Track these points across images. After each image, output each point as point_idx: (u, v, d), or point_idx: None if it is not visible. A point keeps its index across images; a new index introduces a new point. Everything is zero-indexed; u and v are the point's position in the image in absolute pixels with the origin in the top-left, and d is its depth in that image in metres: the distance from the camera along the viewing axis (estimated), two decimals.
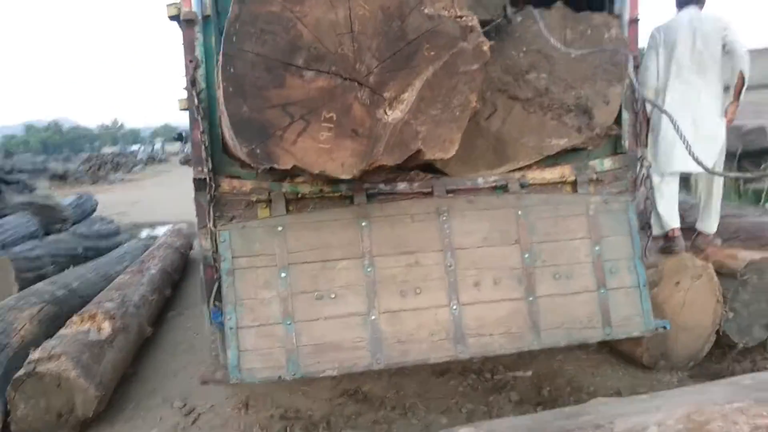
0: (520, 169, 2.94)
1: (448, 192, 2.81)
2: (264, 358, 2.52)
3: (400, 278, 2.68)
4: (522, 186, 2.90)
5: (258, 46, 1.82)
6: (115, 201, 14.51)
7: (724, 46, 3.66)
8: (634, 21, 2.98)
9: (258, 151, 1.87)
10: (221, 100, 2.16)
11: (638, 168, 3.05)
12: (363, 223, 2.66)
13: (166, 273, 5.84)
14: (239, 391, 3.68)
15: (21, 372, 3.13)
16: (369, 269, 2.65)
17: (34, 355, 3.27)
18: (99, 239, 7.39)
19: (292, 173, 2.69)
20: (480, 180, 2.89)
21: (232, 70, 1.83)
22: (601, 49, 2.75)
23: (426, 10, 1.86)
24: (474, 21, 1.90)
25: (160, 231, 10.73)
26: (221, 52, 1.82)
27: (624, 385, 3.59)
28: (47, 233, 6.94)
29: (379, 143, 1.93)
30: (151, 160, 29.94)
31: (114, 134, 71.39)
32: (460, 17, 1.88)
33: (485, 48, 1.92)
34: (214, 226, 2.53)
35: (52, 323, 4.05)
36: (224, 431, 3.17)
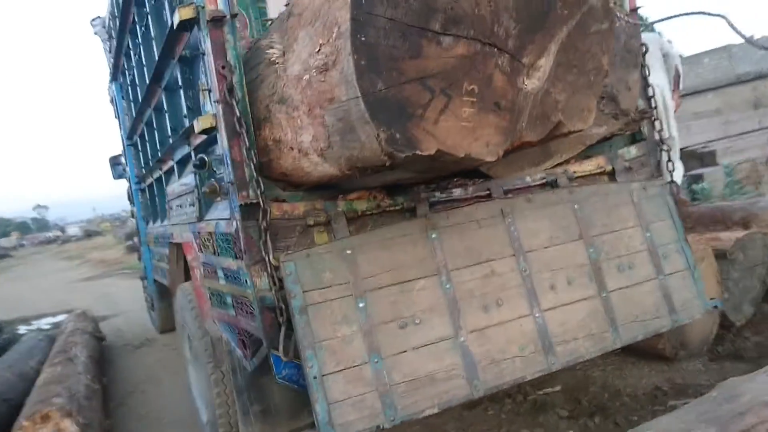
0: (560, 164, 2.81)
1: (505, 193, 2.60)
2: (357, 407, 2.09)
3: (479, 291, 2.39)
4: (569, 180, 2.77)
5: (390, 9, 1.51)
6: None
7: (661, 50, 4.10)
8: (634, 10, 3.04)
9: (398, 135, 1.54)
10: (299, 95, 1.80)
11: (659, 153, 3.06)
12: (433, 236, 2.36)
13: (94, 360, 5.01)
14: None
15: None
16: (448, 286, 2.33)
17: None
18: None
19: (345, 189, 2.34)
20: (528, 178, 2.72)
21: (363, 38, 1.50)
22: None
23: None
24: None
25: (44, 323, 9.53)
26: (350, 18, 1.49)
27: (658, 379, 3.54)
28: None
29: (522, 117, 1.69)
30: None
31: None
32: None
33: (612, 5, 1.77)
34: (275, 258, 2.09)
35: None
36: None
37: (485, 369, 2.31)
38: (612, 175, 2.92)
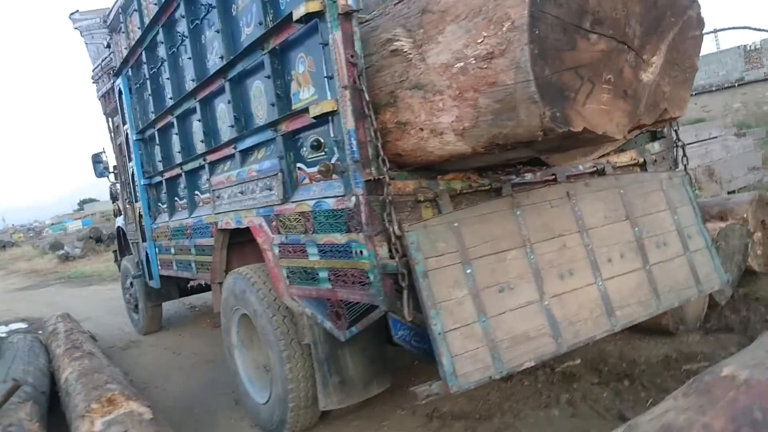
0: (603, 155, 3.20)
1: (567, 178, 2.96)
2: (473, 360, 2.36)
3: (556, 262, 2.73)
4: (614, 168, 3.17)
5: (556, 8, 1.83)
6: None
7: None
8: None
9: (558, 114, 1.85)
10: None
11: (675, 149, 3.52)
12: (517, 212, 2.68)
13: (106, 355, 5.00)
14: None
15: None
16: (532, 257, 2.65)
17: None
18: None
19: (442, 170, 2.63)
20: (580, 167, 3.10)
21: (536, 32, 1.80)
22: None
23: None
24: None
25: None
26: (528, 16, 1.79)
27: (666, 350, 3.99)
28: None
29: (640, 104, 2.04)
30: None
31: None
32: None
33: (703, 16, 2.16)
34: (398, 227, 2.34)
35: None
36: None
37: (566, 329, 2.64)
38: (643, 166, 3.36)
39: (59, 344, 5.14)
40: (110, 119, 6.60)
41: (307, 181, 2.89)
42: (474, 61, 1.97)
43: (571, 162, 3.07)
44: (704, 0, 2.17)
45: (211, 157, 3.83)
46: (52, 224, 56.34)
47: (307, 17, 2.44)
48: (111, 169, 7.29)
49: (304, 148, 2.86)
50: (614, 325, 2.81)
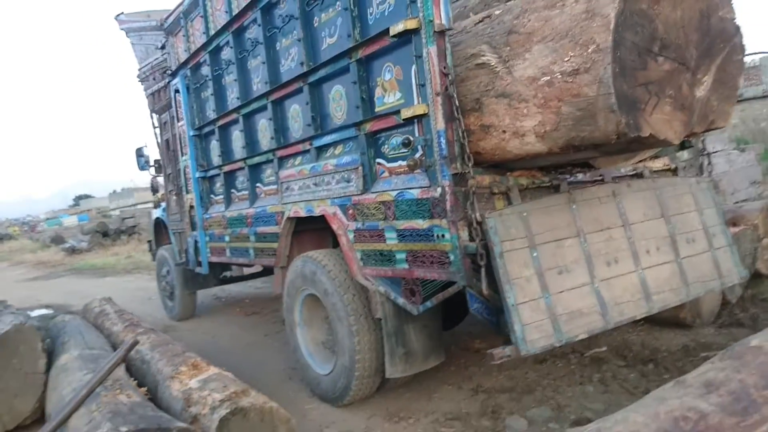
0: (641, 161, 3.63)
1: (612, 179, 3.38)
2: (538, 329, 2.77)
3: (604, 251, 3.14)
4: (650, 172, 3.60)
5: (633, 35, 2.25)
6: None
7: None
8: None
9: (631, 121, 2.27)
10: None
11: (701, 158, 3.96)
12: (573, 206, 3.09)
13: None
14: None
15: (224, 412, 2.84)
16: (585, 245, 3.07)
17: (195, 405, 2.99)
18: None
19: (510, 168, 3.04)
20: (622, 170, 3.52)
21: (618, 54, 2.23)
22: None
23: (719, 14, 2.48)
24: (737, 21, 2.57)
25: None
26: (612, 42, 2.21)
27: (684, 340, 4.41)
28: None
29: (694, 115, 2.47)
30: None
31: None
32: (733, 19, 2.54)
33: (745, 43, 2.60)
34: (479, 215, 2.75)
35: None
36: None
37: (612, 308, 3.05)
38: (675, 172, 3.79)
39: (114, 322, 5.48)
40: (157, 116, 6.98)
41: (386, 174, 3.30)
42: (560, 76, 2.39)
43: (615, 165, 3.50)
44: None
45: (281, 153, 4.23)
46: (48, 219, 56.34)
47: (403, 33, 2.85)
48: (152, 163, 7.68)
49: (385, 146, 3.27)
50: (651, 308, 3.22)
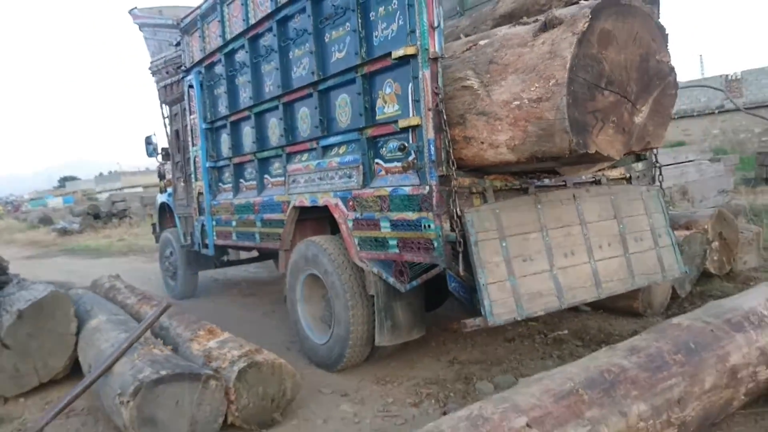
0: (600, 170, 4.26)
1: (574, 184, 4.01)
2: (503, 306, 3.39)
3: (562, 244, 3.77)
4: (607, 180, 4.23)
5: (584, 73, 2.87)
6: None
7: None
8: None
9: (581, 141, 2.89)
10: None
11: (653, 168, 4.60)
12: (539, 206, 3.72)
13: None
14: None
15: (242, 364, 3.42)
16: (547, 239, 3.70)
17: (215, 361, 3.56)
18: None
19: (487, 172, 3.66)
20: (583, 177, 4.15)
21: (572, 88, 2.84)
22: None
23: (657, 57, 3.11)
24: (672, 63, 3.20)
25: None
26: (567, 78, 2.82)
27: (635, 327, 5.03)
28: None
29: (633, 137, 3.09)
30: None
31: None
32: (668, 61, 3.17)
33: (678, 80, 3.23)
34: (459, 210, 3.36)
35: None
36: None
37: (566, 292, 3.68)
38: (629, 180, 4.42)
39: (127, 296, 6.01)
40: (168, 107, 7.51)
41: (383, 173, 3.90)
42: (527, 102, 3.00)
43: (577, 173, 4.12)
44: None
45: (290, 149, 4.81)
46: (32, 199, 56.18)
47: (403, 57, 3.45)
48: (159, 151, 8.21)
49: (383, 149, 3.87)
50: (600, 294, 3.86)
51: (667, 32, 3.21)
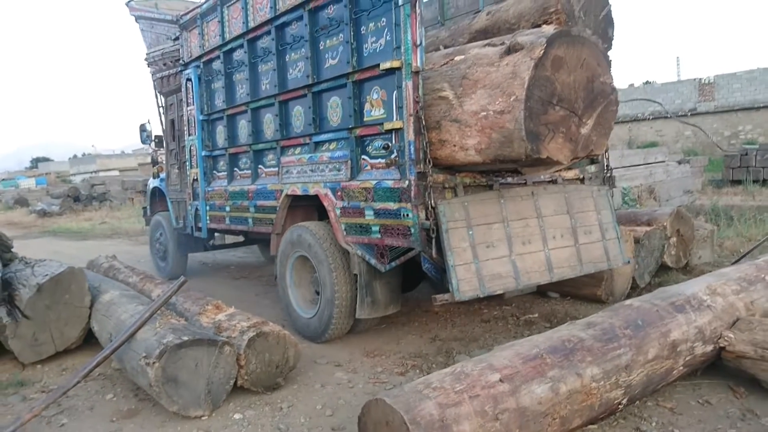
0: (557, 171, 4.89)
1: (533, 183, 4.64)
2: (468, 284, 4.00)
3: (521, 234, 4.39)
4: (563, 180, 4.87)
5: (539, 92, 3.47)
6: None
7: None
8: None
9: (534, 147, 3.49)
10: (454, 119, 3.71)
11: (605, 170, 5.25)
12: (502, 201, 4.33)
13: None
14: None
15: (252, 334, 3.94)
16: (507, 229, 4.31)
17: (226, 331, 4.09)
18: None
19: (458, 170, 4.26)
20: (542, 177, 4.78)
21: (529, 103, 3.44)
22: None
23: (601, 79, 3.73)
24: (614, 83, 3.82)
25: None
26: (525, 96, 3.42)
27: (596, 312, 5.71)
28: None
29: (579, 146, 3.72)
30: None
31: None
32: (610, 83, 3.80)
33: (618, 98, 3.85)
34: (434, 202, 3.95)
35: None
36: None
37: (523, 275, 4.31)
38: (582, 180, 5.06)
39: (129, 275, 6.45)
40: (164, 98, 7.96)
41: (368, 168, 4.47)
42: (492, 113, 3.59)
43: (537, 174, 4.75)
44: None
45: (284, 143, 5.35)
46: (3, 180, 55.42)
47: (389, 68, 4.02)
48: (153, 138, 8.66)
49: (370, 147, 4.44)
50: (552, 277, 4.50)
51: (611, 59, 3.83)
